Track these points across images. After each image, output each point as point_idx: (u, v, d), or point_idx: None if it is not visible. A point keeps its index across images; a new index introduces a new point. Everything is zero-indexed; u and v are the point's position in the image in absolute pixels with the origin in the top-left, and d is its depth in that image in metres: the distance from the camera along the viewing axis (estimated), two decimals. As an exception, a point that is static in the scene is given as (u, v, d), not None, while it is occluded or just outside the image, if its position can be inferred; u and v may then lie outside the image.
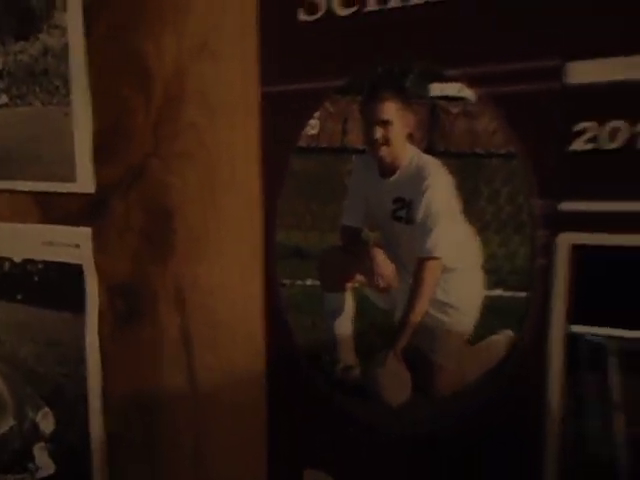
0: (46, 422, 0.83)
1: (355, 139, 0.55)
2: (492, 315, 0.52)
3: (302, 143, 0.58)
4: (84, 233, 0.73)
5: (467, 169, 0.51)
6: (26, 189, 0.77)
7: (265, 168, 0.60)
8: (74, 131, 0.71)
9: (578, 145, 0.46)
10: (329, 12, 0.54)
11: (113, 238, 0.73)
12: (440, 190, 0.52)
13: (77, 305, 0.75)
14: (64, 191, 0.73)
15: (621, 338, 0.48)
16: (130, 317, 0.74)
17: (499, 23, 0.48)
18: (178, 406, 0.71)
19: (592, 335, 0.49)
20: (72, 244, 0.75)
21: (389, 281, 0.56)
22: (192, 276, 0.68)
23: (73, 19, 0.69)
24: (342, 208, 0.56)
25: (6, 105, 0.78)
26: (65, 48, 0.71)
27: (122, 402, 0.76)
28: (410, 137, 0.53)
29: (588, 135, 0.46)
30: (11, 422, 0.85)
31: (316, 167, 0.58)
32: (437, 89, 0.50)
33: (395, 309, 0.56)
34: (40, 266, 0.78)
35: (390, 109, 0.52)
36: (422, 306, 0.54)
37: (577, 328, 0.49)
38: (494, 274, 0.51)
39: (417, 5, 0.51)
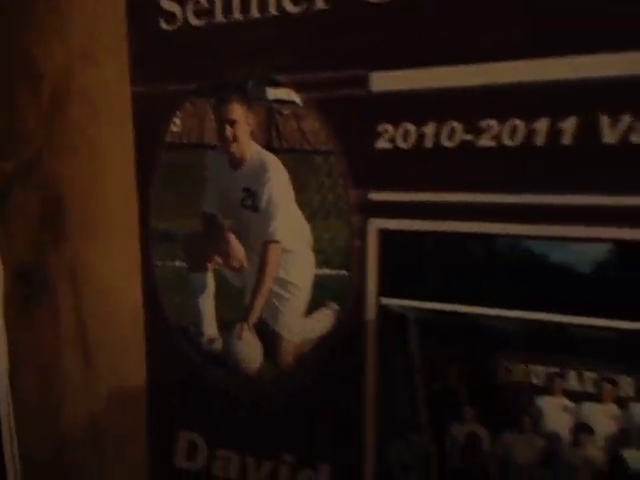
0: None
1: (211, 136, 0.62)
2: (321, 291, 0.60)
3: (168, 139, 0.64)
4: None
5: (298, 164, 0.58)
6: None
7: (139, 160, 0.67)
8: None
9: (381, 144, 0.54)
10: (185, 22, 0.61)
11: (15, 225, 0.79)
12: (278, 182, 0.59)
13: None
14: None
15: (419, 309, 0.56)
16: (32, 299, 0.80)
17: (317, 37, 0.55)
18: (74, 378, 0.78)
19: (398, 306, 0.57)
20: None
21: (241, 262, 0.63)
22: (84, 259, 0.75)
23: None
24: (201, 197, 0.64)
25: None
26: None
27: (28, 381, 0.83)
28: (253, 135, 0.60)
29: (387, 136, 0.54)
30: None
31: (180, 160, 0.65)
32: (272, 93, 0.58)
33: (247, 287, 0.63)
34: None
35: (236, 110, 0.59)
36: (267, 284, 0.61)
37: (386, 300, 0.57)
38: (321, 255, 0.59)
39: (257, 19, 0.58)
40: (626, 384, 0.48)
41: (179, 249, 0.66)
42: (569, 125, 0.47)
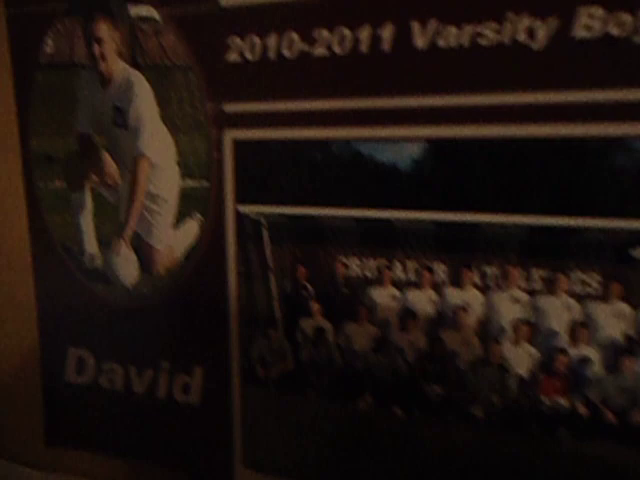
0: None
1: (81, 55, 0.64)
2: (187, 202, 0.63)
3: (42, 59, 0.66)
4: None
5: (160, 80, 0.61)
6: None
7: (16, 82, 0.68)
8: None
9: (231, 57, 0.57)
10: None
11: None
12: (143, 99, 0.61)
13: None
14: None
15: (269, 214, 0.60)
16: None
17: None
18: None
19: (252, 212, 0.61)
20: None
21: (115, 179, 0.66)
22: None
23: None
24: (76, 117, 0.66)
25: None
26: None
27: None
28: (119, 52, 0.62)
29: (236, 48, 0.57)
30: None
31: (55, 81, 0.66)
32: (134, 10, 0.60)
33: (121, 203, 0.66)
34: None
35: (102, 28, 0.61)
36: (139, 199, 0.65)
37: (242, 208, 0.61)
38: (185, 167, 0.62)
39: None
40: (441, 271, 0.54)
41: (59, 170, 0.68)
42: (387, 32, 0.51)
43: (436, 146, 0.51)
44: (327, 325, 0.60)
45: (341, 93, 0.54)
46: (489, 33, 0.48)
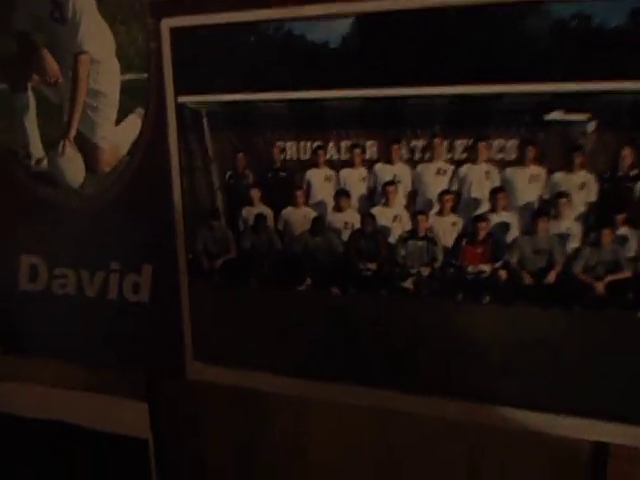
0: None
1: (16, -51, 0.63)
2: (128, 96, 0.64)
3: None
4: None
5: (96, -31, 0.61)
6: None
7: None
8: None
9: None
10: None
11: None
12: (79, -10, 0.61)
13: None
14: None
15: (208, 102, 0.61)
16: None
17: None
18: None
19: (192, 102, 0.62)
20: None
21: (56, 77, 0.66)
22: None
23: None
24: (13, 15, 0.65)
25: None
26: None
27: None
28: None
29: None
30: None
31: (-9, -22, 0.65)
32: None
33: (64, 102, 0.66)
34: None
35: None
36: (81, 96, 0.65)
37: (182, 99, 0.62)
38: (124, 60, 0.62)
39: None
40: (371, 148, 0.56)
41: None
42: None
43: (364, 22, 0.53)
44: (267, 211, 0.61)
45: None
46: None
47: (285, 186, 0.60)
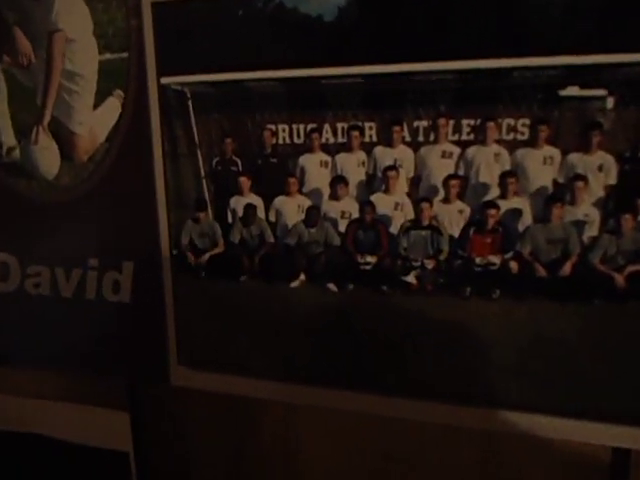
0: None
1: None
2: (106, 78, 0.59)
3: None
4: None
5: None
6: None
7: None
8: None
9: None
10: None
11: None
12: (54, -37, 0.57)
13: None
14: None
15: (194, 83, 0.56)
16: None
17: None
18: None
19: (176, 83, 0.57)
20: None
21: (29, 57, 0.61)
22: None
23: None
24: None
25: None
26: None
27: None
28: None
29: None
30: None
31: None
32: None
33: (38, 86, 0.62)
34: None
35: None
36: (56, 77, 0.60)
37: (165, 79, 0.57)
38: (102, 39, 0.58)
39: None
40: (370, 130, 0.52)
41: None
42: None
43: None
44: (258, 201, 0.57)
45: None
46: None
47: (277, 173, 0.56)
